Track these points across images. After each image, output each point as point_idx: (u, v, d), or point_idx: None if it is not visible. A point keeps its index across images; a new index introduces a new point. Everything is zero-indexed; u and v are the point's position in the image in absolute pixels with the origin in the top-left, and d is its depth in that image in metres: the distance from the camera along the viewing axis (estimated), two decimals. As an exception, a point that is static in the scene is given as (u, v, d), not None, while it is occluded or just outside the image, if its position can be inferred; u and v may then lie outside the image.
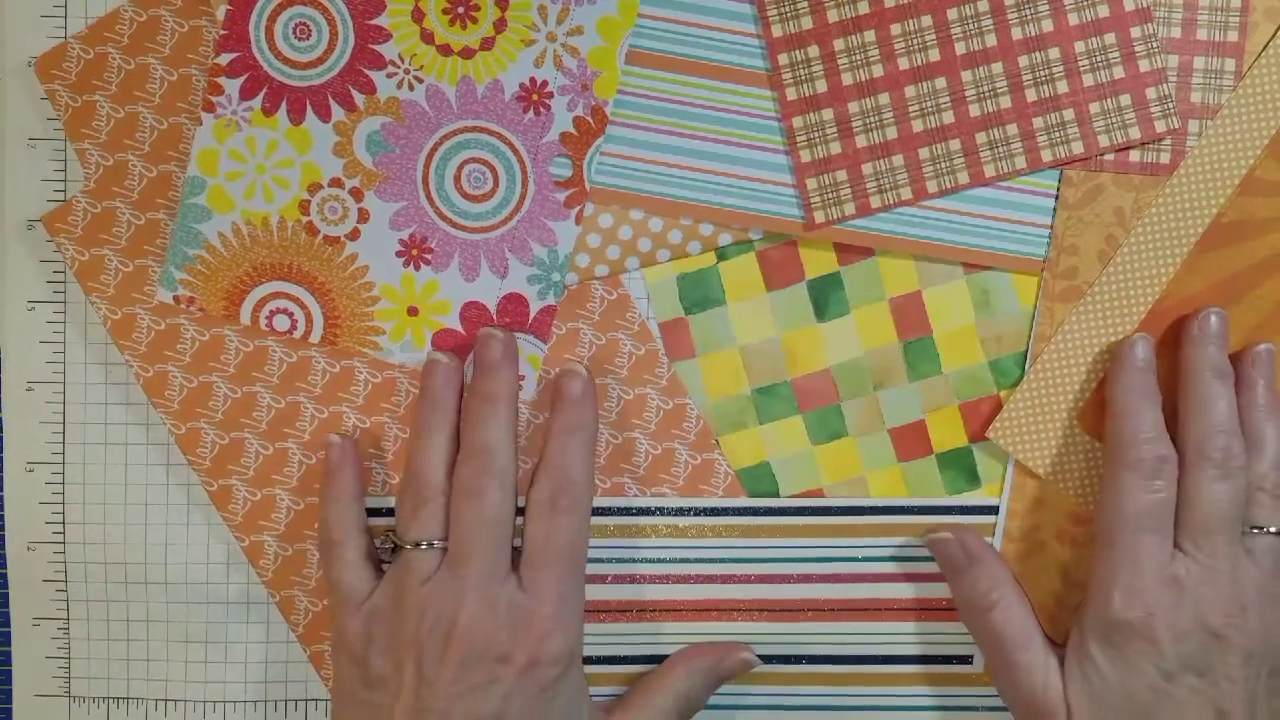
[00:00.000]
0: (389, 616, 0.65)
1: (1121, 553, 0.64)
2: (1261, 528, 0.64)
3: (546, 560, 0.65)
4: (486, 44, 0.67)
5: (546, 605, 0.64)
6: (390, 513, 0.70)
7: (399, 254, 0.68)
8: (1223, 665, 0.63)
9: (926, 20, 0.66)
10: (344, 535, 0.68)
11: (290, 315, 0.68)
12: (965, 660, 0.71)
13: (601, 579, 0.71)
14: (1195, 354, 0.66)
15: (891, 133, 0.67)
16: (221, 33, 0.67)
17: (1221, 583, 0.63)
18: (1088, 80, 0.66)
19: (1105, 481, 0.65)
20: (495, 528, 0.65)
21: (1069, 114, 0.66)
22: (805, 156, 0.67)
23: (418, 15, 0.67)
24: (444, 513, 0.66)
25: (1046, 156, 0.67)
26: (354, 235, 0.68)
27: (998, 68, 0.66)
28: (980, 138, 0.67)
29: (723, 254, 0.69)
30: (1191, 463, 0.64)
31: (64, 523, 0.72)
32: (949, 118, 0.67)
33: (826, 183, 0.67)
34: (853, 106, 0.67)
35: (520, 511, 0.67)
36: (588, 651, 0.70)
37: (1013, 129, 0.67)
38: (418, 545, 0.65)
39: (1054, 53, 0.66)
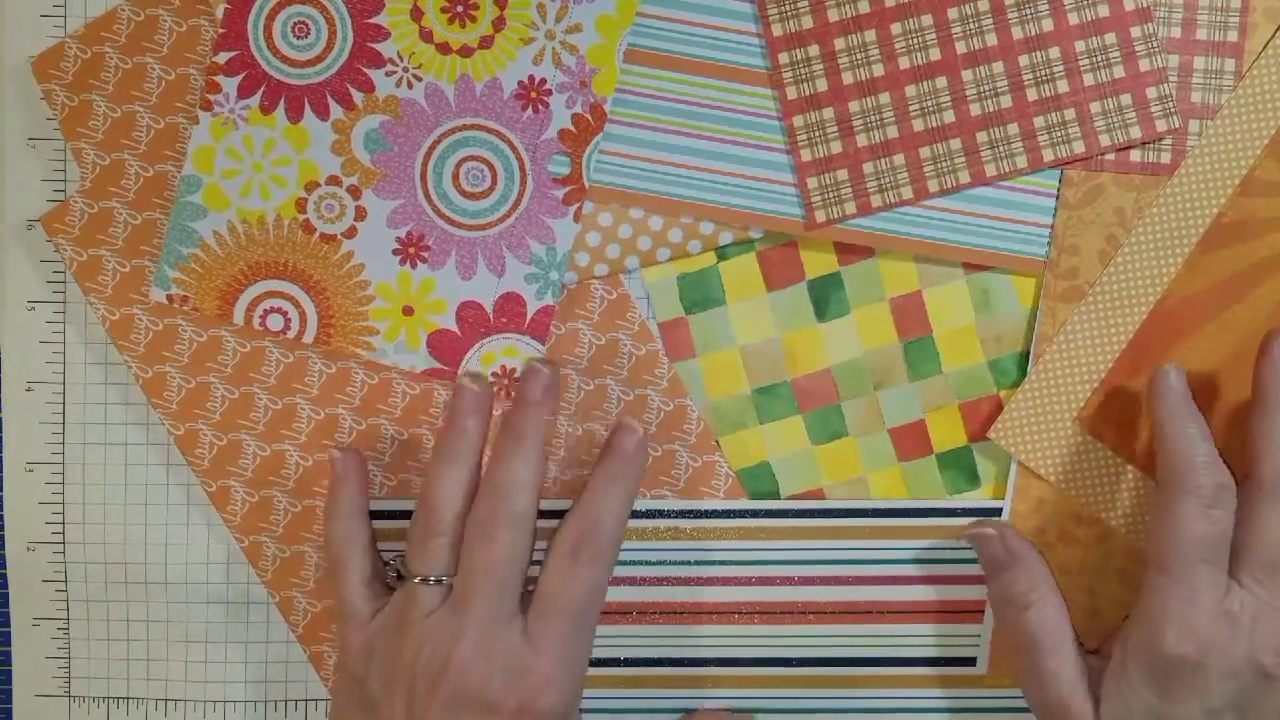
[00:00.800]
0: (391, 641, 0.64)
1: (1175, 583, 0.62)
2: None
3: (556, 612, 0.63)
4: (485, 42, 0.67)
5: (545, 660, 0.63)
6: (389, 515, 0.70)
7: (395, 252, 0.68)
8: (1266, 702, 0.62)
9: (927, 20, 0.66)
10: (348, 553, 0.67)
11: (284, 314, 0.68)
12: (968, 663, 0.71)
13: (600, 580, 0.71)
14: (1275, 380, 0.63)
15: (892, 132, 0.67)
16: (220, 31, 0.67)
17: (1277, 620, 0.61)
18: (1088, 80, 0.66)
19: (1160, 507, 0.63)
20: (503, 573, 0.63)
21: (1070, 113, 0.66)
22: (806, 155, 0.67)
23: (416, 14, 0.67)
24: (450, 550, 0.64)
25: (1047, 156, 0.66)
26: (351, 233, 0.68)
27: (998, 67, 0.66)
28: (981, 137, 0.67)
29: (723, 254, 0.69)
30: (1266, 496, 0.62)
31: (64, 523, 0.72)
32: (950, 117, 0.67)
33: (827, 182, 0.67)
34: (853, 105, 0.67)
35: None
36: (586, 653, 0.70)
37: (1014, 128, 0.66)
38: (424, 580, 0.64)
39: (1054, 52, 0.66)
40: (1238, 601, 0.62)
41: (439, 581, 0.64)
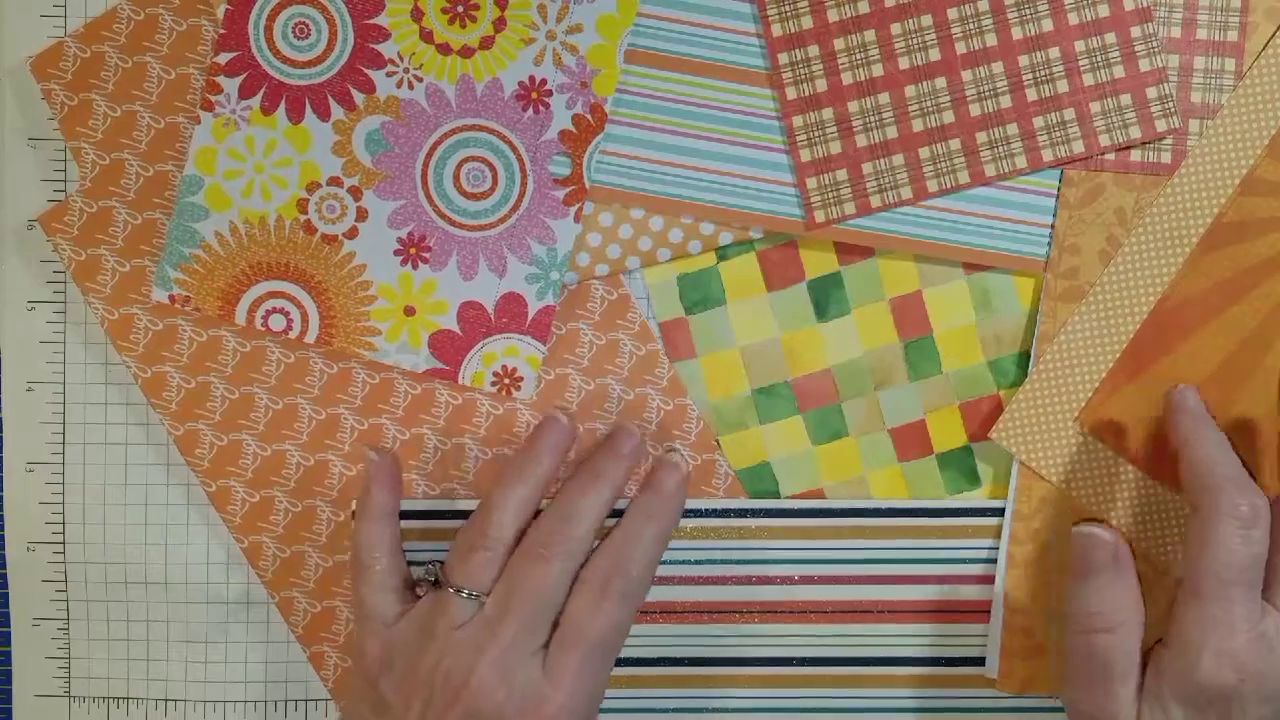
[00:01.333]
0: (410, 649, 0.64)
1: (1211, 607, 0.61)
2: None
3: (578, 644, 0.63)
4: (486, 43, 0.67)
5: (561, 693, 0.63)
6: (403, 515, 0.70)
7: (397, 252, 0.68)
8: None
9: (926, 20, 0.66)
10: (374, 556, 0.66)
11: (286, 315, 0.68)
12: (971, 663, 0.71)
13: (601, 580, 0.71)
14: None
15: (892, 132, 0.67)
16: (220, 32, 0.67)
17: None
18: (1088, 80, 0.66)
19: (1194, 529, 0.62)
20: (545, 598, 0.63)
21: (1069, 113, 0.66)
22: (805, 156, 0.67)
23: (417, 14, 0.67)
24: (495, 567, 0.64)
25: (1047, 156, 0.67)
26: (352, 234, 0.68)
27: (998, 67, 0.66)
28: (980, 137, 0.67)
29: (723, 254, 0.69)
30: None
31: (64, 523, 0.72)
32: (949, 117, 0.67)
33: (827, 182, 0.67)
34: (853, 106, 0.67)
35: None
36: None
37: (1013, 128, 0.66)
38: (459, 591, 0.64)
39: (1054, 52, 0.66)
40: (1272, 625, 0.61)
41: (473, 596, 0.64)
